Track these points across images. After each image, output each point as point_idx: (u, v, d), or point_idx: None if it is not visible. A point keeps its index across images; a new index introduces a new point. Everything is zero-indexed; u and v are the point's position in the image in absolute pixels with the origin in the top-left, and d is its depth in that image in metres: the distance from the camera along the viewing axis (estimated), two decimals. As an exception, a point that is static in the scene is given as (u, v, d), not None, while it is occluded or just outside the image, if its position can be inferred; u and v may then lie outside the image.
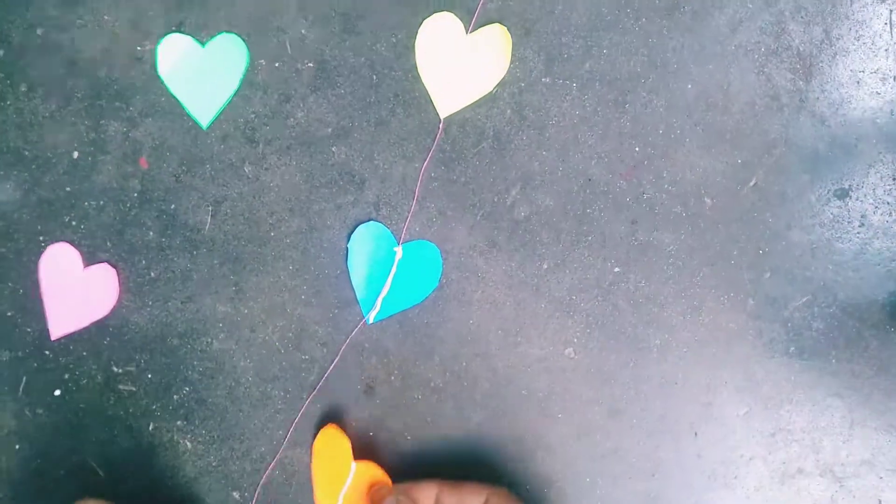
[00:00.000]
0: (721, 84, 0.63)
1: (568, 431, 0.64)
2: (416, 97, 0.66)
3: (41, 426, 0.68)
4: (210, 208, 0.67)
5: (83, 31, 0.68)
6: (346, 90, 0.66)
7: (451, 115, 0.65)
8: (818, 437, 0.63)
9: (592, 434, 0.64)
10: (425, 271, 0.65)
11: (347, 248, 0.66)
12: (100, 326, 0.67)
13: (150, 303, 0.67)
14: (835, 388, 0.63)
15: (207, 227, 0.67)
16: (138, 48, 0.68)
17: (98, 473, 0.67)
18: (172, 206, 0.67)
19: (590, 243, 0.64)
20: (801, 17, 0.63)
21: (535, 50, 0.65)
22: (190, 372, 0.67)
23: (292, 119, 0.67)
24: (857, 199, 0.63)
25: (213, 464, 0.66)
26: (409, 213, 0.65)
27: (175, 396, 0.67)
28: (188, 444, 0.67)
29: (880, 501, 0.62)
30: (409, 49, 0.66)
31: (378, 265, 0.65)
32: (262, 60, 0.67)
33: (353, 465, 0.64)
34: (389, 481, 0.64)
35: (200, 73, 0.67)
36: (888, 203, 0.62)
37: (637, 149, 0.64)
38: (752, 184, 0.63)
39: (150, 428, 0.67)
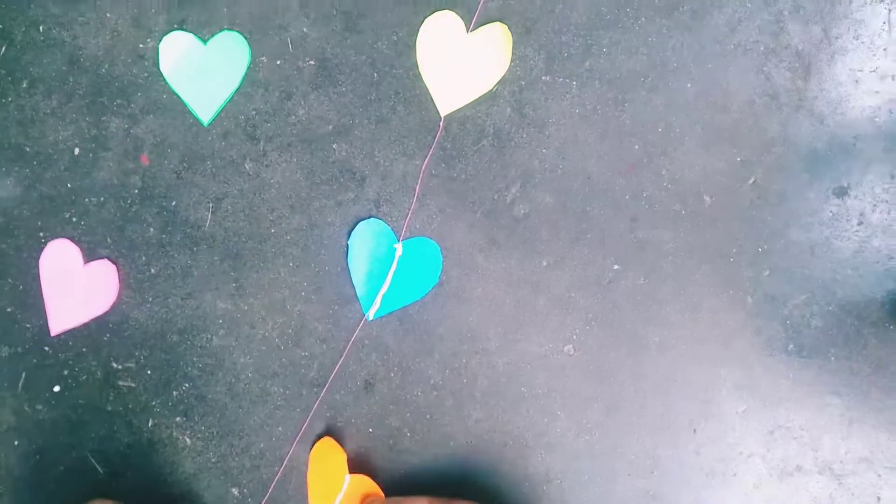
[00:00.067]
0: (720, 83, 0.64)
1: (567, 428, 0.64)
2: (416, 95, 0.66)
3: (40, 422, 0.68)
4: (211, 205, 0.67)
5: (85, 28, 0.68)
6: (348, 88, 0.66)
7: (451, 113, 0.65)
8: (817, 434, 0.63)
9: (591, 431, 0.64)
10: (425, 268, 0.65)
11: (348, 245, 0.66)
12: (100, 322, 0.67)
13: (150, 299, 0.67)
14: (833, 385, 0.63)
15: (208, 223, 0.67)
16: (140, 45, 0.68)
17: (97, 469, 0.67)
18: (173, 203, 0.67)
19: (589, 241, 0.64)
20: (800, 17, 0.63)
21: (536, 48, 0.65)
22: (189, 368, 0.67)
23: (293, 116, 0.67)
24: (855, 198, 0.63)
25: (213, 460, 0.66)
26: (409, 210, 0.65)
27: (174, 393, 0.67)
28: (187, 440, 0.67)
29: (879, 499, 0.62)
30: (410, 47, 0.66)
31: (378, 262, 0.66)
32: (264, 58, 0.67)
33: (347, 477, 0.64)
34: (382, 494, 0.64)
35: (202, 70, 0.67)
36: (887, 201, 0.63)
37: (636, 147, 0.64)
38: (751, 182, 0.63)
39: (150, 424, 0.67)
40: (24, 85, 0.68)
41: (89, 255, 0.68)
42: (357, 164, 0.66)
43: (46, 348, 0.68)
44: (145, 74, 0.68)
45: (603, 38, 0.64)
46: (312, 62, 0.67)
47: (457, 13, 0.65)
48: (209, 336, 0.67)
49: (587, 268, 0.64)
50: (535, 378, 0.65)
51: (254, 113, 0.67)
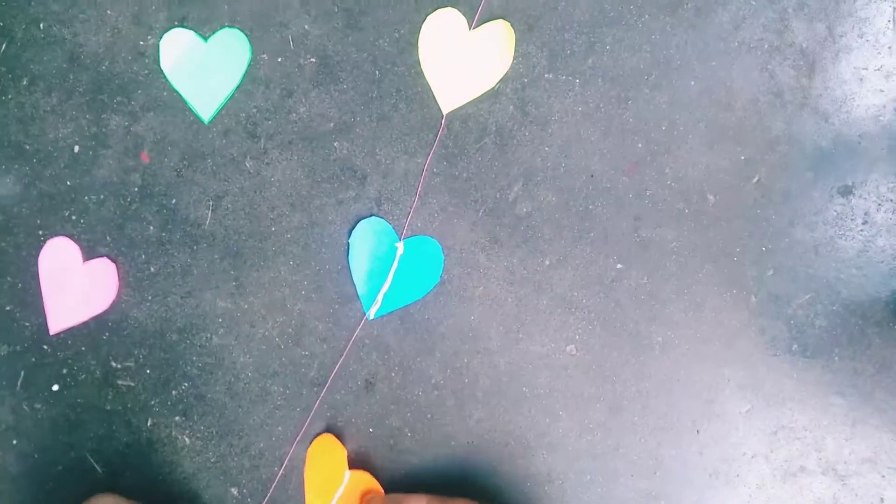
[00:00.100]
0: (724, 81, 0.63)
1: (569, 428, 0.64)
2: (418, 93, 0.66)
3: (39, 421, 0.67)
4: (211, 203, 0.67)
5: (86, 25, 0.68)
6: (349, 85, 0.66)
7: (453, 111, 0.65)
8: (820, 434, 0.62)
9: (594, 431, 0.64)
10: (427, 267, 0.65)
11: (349, 244, 0.66)
12: (99, 321, 0.67)
13: (150, 297, 0.67)
14: (837, 385, 0.63)
15: (208, 221, 0.67)
16: (141, 43, 0.68)
17: (96, 469, 0.67)
18: (173, 201, 0.67)
19: (592, 240, 0.64)
20: (805, 14, 0.63)
21: (538, 46, 0.65)
22: (189, 367, 0.67)
23: (294, 114, 0.66)
24: (860, 197, 0.62)
25: (212, 460, 0.66)
26: (411, 208, 0.65)
27: (174, 392, 0.67)
28: (186, 439, 0.66)
29: (882, 500, 0.62)
30: (412, 44, 0.66)
31: (379, 261, 0.65)
32: (265, 55, 0.67)
33: (348, 473, 0.64)
34: (382, 491, 0.64)
35: (203, 67, 0.67)
36: (891, 200, 0.62)
37: (640, 145, 0.64)
38: (755, 181, 0.63)
39: (149, 423, 0.67)
40: (25, 82, 0.68)
41: (89, 254, 0.67)
42: (358, 162, 0.66)
43: (45, 347, 0.67)
44: (146, 72, 0.68)
45: (606, 36, 0.64)
46: (314, 59, 0.66)
47: (459, 10, 0.65)
48: (209, 335, 0.67)
49: (590, 267, 0.64)
50: (536, 378, 0.64)
51: (254, 110, 0.67)
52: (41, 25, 0.68)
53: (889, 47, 0.62)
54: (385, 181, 0.66)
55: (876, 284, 0.62)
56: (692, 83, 0.64)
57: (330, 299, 0.66)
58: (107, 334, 0.67)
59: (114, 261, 0.67)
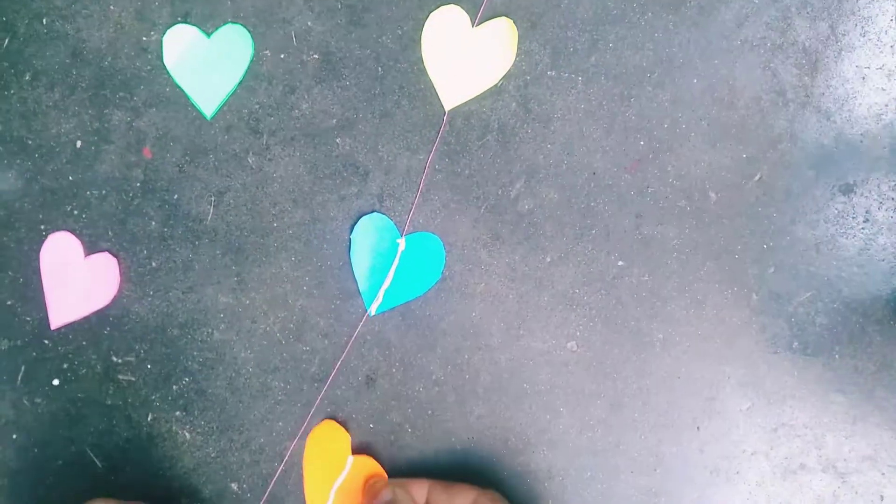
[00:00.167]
0: (727, 79, 0.63)
1: (570, 425, 0.64)
2: (421, 89, 0.66)
3: (39, 416, 0.67)
4: (213, 199, 0.67)
5: (89, 20, 0.68)
6: (352, 82, 0.66)
7: (455, 108, 0.65)
8: (821, 432, 0.63)
9: (594, 428, 0.64)
10: (428, 263, 0.65)
11: (350, 240, 0.66)
12: (100, 316, 0.67)
13: (151, 293, 0.67)
14: (838, 383, 0.63)
15: (210, 217, 0.67)
16: (144, 38, 0.68)
17: (96, 464, 0.67)
18: (175, 196, 0.67)
19: (594, 237, 0.64)
20: (807, 13, 0.63)
21: (541, 43, 0.65)
22: (190, 362, 0.67)
23: (297, 110, 0.67)
24: (861, 195, 0.63)
25: (212, 455, 0.66)
26: (412, 204, 0.65)
27: (174, 387, 0.67)
28: (187, 434, 0.66)
29: (882, 497, 0.62)
30: (415, 41, 0.66)
31: (381, 257, 0.65)
32: (268, 51, 0.67)
33: (351, 458, 0.64)
34: (386, 476, 0.64)
35: (206, 63, 0.67)
36: (893, 199, 0.62)
37: (642, 143, 0.64)
38: (756, 179, 0.63)
39: (149, 418, 0.67)
40: (27, 77, 0.68)
41: (90, 248, 0.67)
42: (361, 159, 0.66)
43: (46, 342, 0.67)
44: (148, 67, 0.68)
45: (609, 34, 0.64)
46: (316, 56, 0.66)
47: (462, 7, 0.65)
48: (210, 330, 0.67)
49: (591, 264, 0.64)
50: (537, 374, 0.64)
51: (257, 107, 0.67)
52: (44, 21, 0.68)
53: (891, 46, 0.63)
54: (387, 178, 0.66)
55: (877, 282, 0.62)
56: (695, 81, 0.64)
57: (331, 295, 0.66)
58: (108, 329, 0.67)
59: (115, 256, 0.67)
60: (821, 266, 0.63)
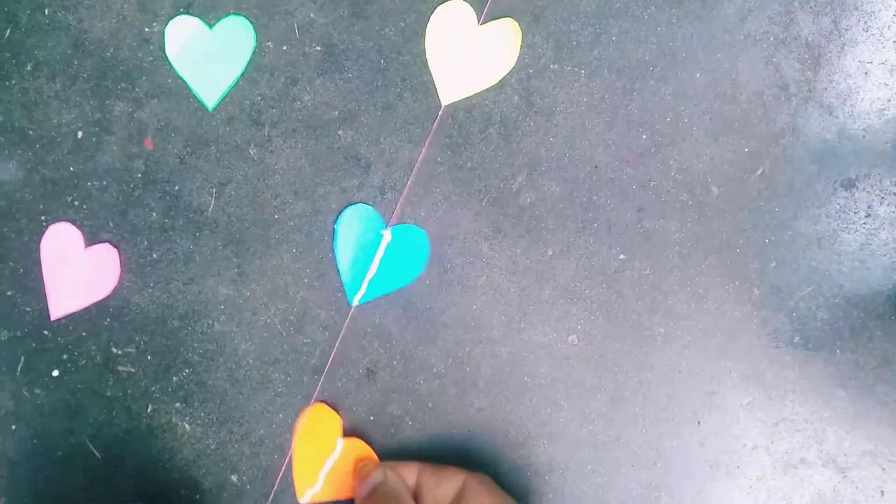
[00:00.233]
0: (729, 73, 0.63)
1: (570, 418, 0.64)
2: (423, 82, 0.66)
3: (38, 406, 0.67)
4: (214, 190, 0.67)
5: (91, 11, 0.68)
6: (354, 74, 0.66)
7: (453, 103, 0.65)
8: (821, 427, 0.62)
9: (595, 421, 0.64)
10: (412, 255, 0.65)
11: (335, 230, 0.65)
12: (100, 307, 0.67)
13: (152, 284, 0.67)
14: (839, 378, 0.63)
15: (211, 208, 0.67)
16: (146, 29, 0.68)
17: (95, 455, 0.66)
18: (176, 188, 0.67)
19: (595, 230, 0.64)
20: (810, 8, 0.63)
21: (544, 37, 0.65)
22: (190, 354, 0.66)
23: (299, 102, 0.66)
24: (863, 190, 0.63)
25: (212, 446, 0.66)
26: (401, 197, 0.65)
27: (174, 378, 0.66)
28: (187, 426, 0.66)
29: (883, 493, 0.62)
30: (418, 34, 0.66)
31: (365, 248, 0.65)
32: (270, 43, 0.67)
33: (341, 441, 0.64)
34: (376, 458, 0.64)
35: (208, 55, 0.67)
36: (894, 194, 0.62)
37: (644, 136, 0.64)
38: (759, 173, 0.63)
39: (149, 410, 0.67)
40: (29, 68, 0.68)
41: (91, 239, 0.67)
42: (362, 151, 0.66)
43: (46, 332, 0.67)
44: (150, 58, 0.68)
45: (612, 27, 0.64)
46: (319, 48, 0.66)
47: (468, 2, 0.65)
48: (210, 322, 0.67)
49: (593, 257, 0.64)
50: (538, 367, 0.64)
51: (259, 98, 0.67)
52: (46, 11, 0.68)
53: (894, 41, 0.63)
54: (389, 170, 0.66)
55: (878, 277, 0.62)
56: (697, 75, 0.64)
57: (332, 287, 0.66)
58: (108, 320, 0.67)
59: (116, 247, 0.67)
60: (822, 261, 0.63)
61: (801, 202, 0.63)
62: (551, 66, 0.65)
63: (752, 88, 0.63)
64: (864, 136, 0.62)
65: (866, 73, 0.63)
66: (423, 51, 0.65)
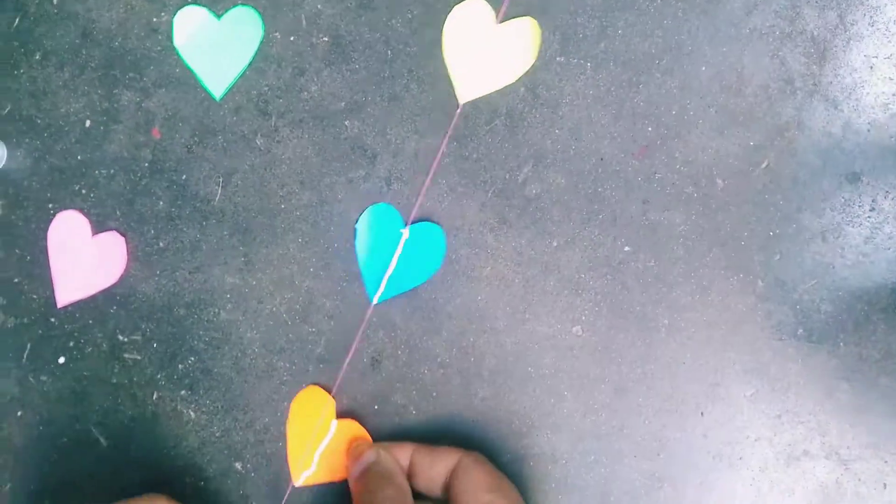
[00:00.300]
0: (735, 67, 0.64)
1: (574, 409, 0.64)
2: (430, 73, 0.66)
3: (44, 393, 0.67)
4: (221, 179, 0.67)
5: (99, 1, 0.68)
6: (361, 65, 0.66)
7: (469, 101, 0.65)
8: (824, 419, 0.63)
9: (598, 412, 0.64)
10: (429, 253, 0.65)
11: (356, 230, 0.66)
12: (107, 295, 0.67)
13: (158, 272, 0.67)
14: (842, 371, 0.63)
15: (218, 198, 0.67)
16: (154, 19, 0.68)
17: (100, 442, 0.67)
18: (183, 177, 0.67)
19: (600, 222, 0.64)
20: (816, 2, 0.63)
21: (551, 29, 0.65)
22: (196, 342, 0.67)
23: (306, 92, 0.67)
24: (868, 184, 0.63)
25: (217, 434, 0.66)
26: (418, 196, 0.65)
27: (180, 366, 0.67)
28: (192, 413, 0.67)
29: (885, 485, 0.62)
30: (425, 25, 0.66)
31: (385, 246, 0.65)
32: (277, 34, 0.67)
33: (335, 423, 0.64)
34: (370, 438, 0.64)
35: (215, 45, 0.67)
36: (899, 188, 0.63)
37: (650, 129, 0.64)
38: (763, 166, 0.63)
39: (154, 397, 0.67)
40: (37, 57, 0.69)
41: (98, 227, 0.68)
42: (369, 142, 0.66)
43: (52, 320, 0.68)
44: (158, 48, 0.68)
45: (618, 20, 0.64)
46: (326, 38, 0.67)
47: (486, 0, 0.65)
48: (216, 310, 0.67)
49: (597, 249, 0.64)
50: (542, 358, 0.64)
51: (266, 88, 0.67)
52: (54, 0, 0.68)
53: (899, 36, 0.63)
54: (395, 161, 0.66)
55: (882, 271, 0.63)
56: (703, 68, 0.64)
57: (338, 277, 0.66)
58: (114, 308, 0.67)
59: (123, 235, 0.67)
60: (826, 254, 0.63)
61: (806, 195, 0.63)
62: (557, 58, 0.65)
63: (757, 82, 0.63)
64: (869, 130, 0.63)
65: (872, 68, 0.63)
66: (430, 42, 0.66)
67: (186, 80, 0.68)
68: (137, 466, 0.66)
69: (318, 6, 0.67)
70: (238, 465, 0.66)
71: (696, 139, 0.64)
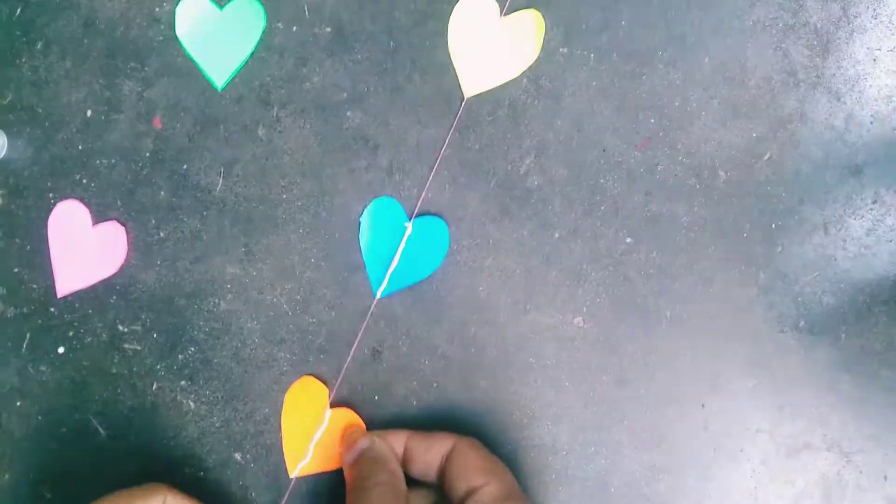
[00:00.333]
0: (738, 58, 0.64)
1: (574, 400, 0.64)
2: (432, 64, 0.66)
3: (44, 383, 0.67)
4: (222, 169, 0.67)
5: (101, -10, 0.68)
6: (363, 56, 0.66)
7: (474, 96, 0.65)
8: (826, 411, 0.62)
9: (599, 403, 0.64)
10: (433, 247, 0.65)
11: (360, 223, 0.66)
12: (107, 284, 0.67)
13: (159, 262, 0.67)
14: (843, 363, 0.63)
15: (219, 188, 0.67)
16: (157, 9, 0.68)
17: (100, 432, 0.67)
18: (184, 167, 0.67)
19: (602, 213, 0.64)
20: (820, -6, 0.63)
21: (554, 20, 0.65)
22: (196, 332, 0.67)
23: (308, 83, 0.67)
24: (870, 176, 0.63)
25: (216, 425, 0.66)
26: (423, 190, 0.65)
27: (180, 356, 0.67)
28: (191, 404, 0.66)
29: (886, 477, 0.62)
30: (428, 16, 0.66)
31: (388, 240, 0.65)
32: (280, 24, 0.67)
33: (329, 411, 0.64)
34: (364, 426, 0.64)
35: (217, 34, 0.67)
36: (901, 180, 0.63)
37: (652, 120, 0.64)
38: (766, 158, 0.63)
39: (154, 387, 0.67)
40: (39, 46, 0.69)
41: (98, 217, 0.67)
42: (371, 132, 0.66)
43: (52, 309, 0.67)
44: (160, 38, 0.68)
45: (622, 12, 0.64)
46: (328, 29, 0.67)
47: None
48: (217, 300, 0.67)
49: (599, 240, 0.64)
50: (543, 349, 0.64)
51: (268, 78, 0.67)
52: (57, -11, 0.68)
53: (902, 28, 0.63)
54: (397, 151, 0.66)
55: (884, 263, 0.63)
56: (706, 60, 0.64)
57: (339, 268, 0.66)
58: (114, 298, 0.67)
59: (123, 225, 0.67)
60: (828, 246, 0.63)
61: (808, 187, 0.63)
62: (560, 49, 0.65)
63: (760, 74, 0.63)
64: (871, 123, 0.63)
65: (875, 60, 0.63)
66: (434, 33, 0.66)
67: (188, 70, 0.68)
68: (137, 457, 0.66)
69: (321, -4, 0.67)
70: (238, 456, 0.66)
71: (698, 131, 0.64)
